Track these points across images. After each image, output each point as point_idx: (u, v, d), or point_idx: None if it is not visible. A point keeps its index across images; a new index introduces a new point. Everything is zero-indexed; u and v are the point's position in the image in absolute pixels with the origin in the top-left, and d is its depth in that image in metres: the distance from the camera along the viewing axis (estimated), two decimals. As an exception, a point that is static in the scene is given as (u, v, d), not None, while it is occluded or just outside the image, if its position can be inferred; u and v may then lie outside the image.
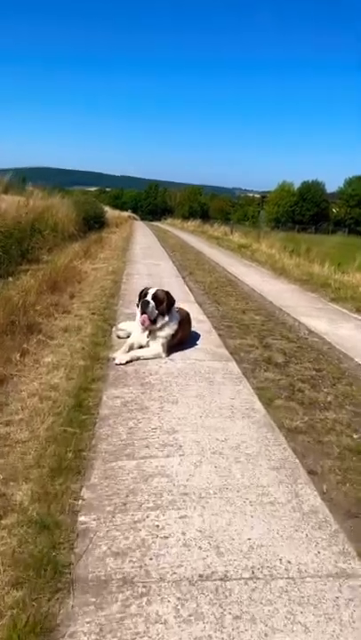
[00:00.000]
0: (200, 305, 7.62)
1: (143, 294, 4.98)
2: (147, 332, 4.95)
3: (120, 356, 4.69)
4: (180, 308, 5.48)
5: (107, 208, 31.25)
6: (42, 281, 7.91)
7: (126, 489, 2.61)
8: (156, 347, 4.91)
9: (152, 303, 4.82)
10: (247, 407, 3.82)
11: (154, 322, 4.84)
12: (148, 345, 4.97)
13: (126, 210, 65.80)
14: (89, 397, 3.80)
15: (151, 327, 4.88)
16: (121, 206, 73.89)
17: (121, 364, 4.61)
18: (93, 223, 21.12)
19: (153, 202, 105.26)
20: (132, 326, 5.39)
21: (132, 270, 10.68)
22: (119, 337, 5.50)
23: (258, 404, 3.88)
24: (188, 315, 5.57)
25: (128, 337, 5.26)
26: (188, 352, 5.14)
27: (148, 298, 4.87)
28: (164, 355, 4.92)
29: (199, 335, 5.79)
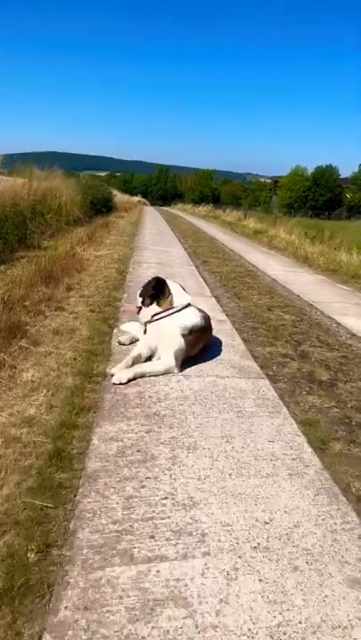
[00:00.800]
0: (218, 300, 6.52)
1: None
2: (154, 337, 3.94)
3: (120, 372, 3.63)
4: (201, 311, 4.39)
5: (115, 192, 30.06)
6: (35, 271, 6.85)
7: (117, 637, 1.55)
8: (168, 358, 3.84)
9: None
10: (293, 456, 2.74)
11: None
12: (153, 352, 3.93)
13: (136, 195, 64.47)
14: (73, 440, 2.74)
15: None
16: (131, 191, 72.53)
17: (121, 384, 3.55)
18: (101, 207, 19.98)
19: (163, 187, 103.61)
20: (136, 329, 4.33)
21: (140, 258, 9.57)
22: (121, 343, 4.44)
23: (308, 451, 2.80)
24: (209, 319, 4.48)
25: (132, 343, 4.20)
26: (206, 365, 4.07)
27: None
28: (176, 369, 3.85)
29: (220, 341, 4.71)
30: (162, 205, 60.95)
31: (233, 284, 7.78)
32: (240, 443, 2.83)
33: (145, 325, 4.00)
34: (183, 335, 3.90)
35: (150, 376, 3.73)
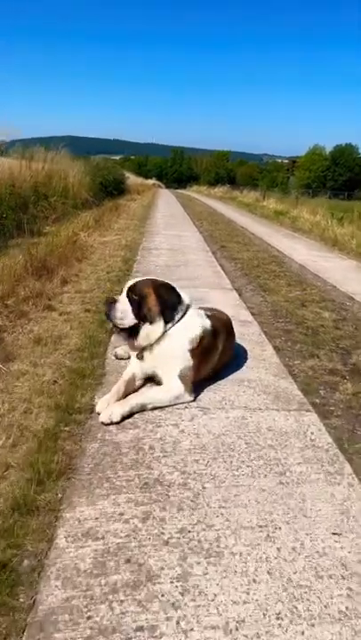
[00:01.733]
0: (240, 293, 5.45)
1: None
2: (139, 355, 2.95)
3: (111, 407, 2.61)
4: (216, 311, 3.35)
5: (129, 174, 28.85)
6: (25, 261, 5.83)
7: None
8: (174, 382, 2.81)
9: (121, 301, 2.88)
10: (379, 568, 1.70)
11: (130, 333, 2.90)
12: (150, 376, 2.92)
13: (150, 177, 62.96)
14: (26, 539, 1.74)
15: (131, 342, 2.96)
16: (145, 174, 71.00)
17: (112, 424, 2.54)
18: (112, 189, 18.87)
19: (178, 169, 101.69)
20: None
21: (151, 244, 8.51)
22: (118, 357, 3.42)
23: None
24: (229, 321, 3.43)
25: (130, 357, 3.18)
26: (229, 388, 3.03)
27: (122, 293, 2.96)
28: (188, 396, 2.82)
29: (245, 350, 3.67)
30: (177, 188, 59.48)
31: (257, 272, 6.69)
32: (288, 540, 1.79)
33: (140, 351, 2.93)
34: (191, 350, 2.87)
35: (153, 409, 2.71)
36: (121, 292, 2.94)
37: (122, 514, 1.89)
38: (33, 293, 4.89)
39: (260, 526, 1.87)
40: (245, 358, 3.54)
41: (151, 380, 2.95)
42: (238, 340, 3.80)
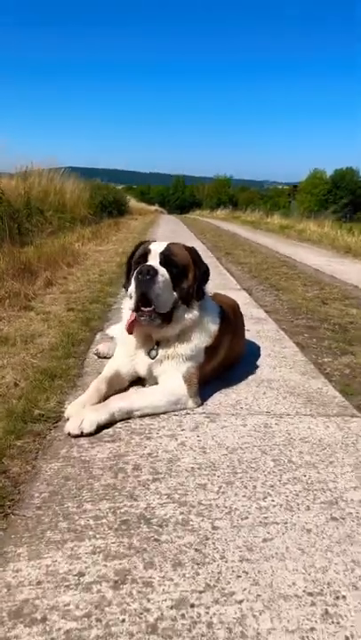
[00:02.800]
0: (249, 292, 4.75)
1: (140, 255, 2.17)
2: (146, 348, 2.15)
3: (82, 413, 1.88)
4: (219, 296, 2.64)
5: (130, 197, 28.57)
6: (6, 263, 5.18)
7: None
8: (174, 382, 2.08)
9: (162, 273, 2.01)
10: None
11: (165, 318, 2.04)
12: (150, 377, 2.16)
13: (153, 204, 63.09)
14: None
15: (157, 331, 2.08)
16: (148, 201, 71.26)
17: (82, 436, 1.80)
18: (112, 209, 18.38)
19: (181, 196, 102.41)
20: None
21: (149, 251, 7.84)
22: (100, 356, 2.71)
23: None
24: (237, 307, 2.73)
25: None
26: (244, 389, 2.31)
27: (153, 262, 2.05)
28: (191, 402, 2.09)
29: (260, 348, 2.95)
30: (180, 214, 59.52)
31: (266, 274, 5.99)
32: (365, 623, 1.05)
33: (157, 343, 2.14)
34: (207, 347, 2.16)
35: (142, 416, 1.98)
36: (133, 262, 2.17)
37: (81, 574, 1.15)
38: (9, 294, 4.20)
39: (311, 594, 1.12)
40: (262, 356, 2.82)
41: (139, 381, 2.23)
42: (252, 337, 3.09)
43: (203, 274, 2.17)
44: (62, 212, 12.10)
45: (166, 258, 2.06)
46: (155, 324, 2.04)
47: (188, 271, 2.10)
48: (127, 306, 2.14)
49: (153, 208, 46.68)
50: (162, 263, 2.04)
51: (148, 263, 2.03)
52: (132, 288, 2.04)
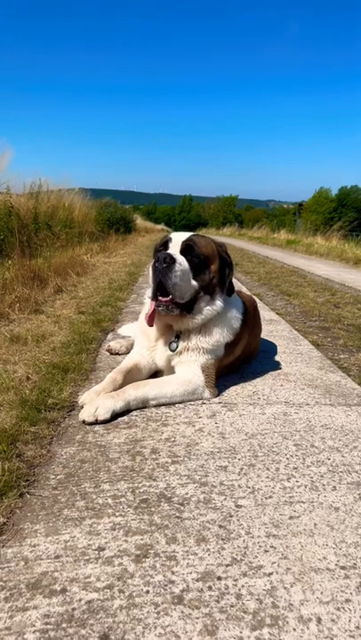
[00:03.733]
0: (260, 298, 4.72)
1: (161, 243, 2.15)
2: (166, 340, 2.10)
3: (97, 400, 1.84)
4: (240, 292, 2.60)
5: (137, 216, 28.79)
6: (16, 271, 5.20)
7: None
8: (191, 373, 2.04)
9: (180, 261, 1.96)
10: None
11: (185, 308, 1.99)
12: (168, 369, 2.12)
13: (159, 224, 63.49)
14: None
15: (178, 322, 2.04)
16: (154, 221, 71.84)
17: (97, 423, 1.76)
18: (119, 226, 18.51)
19: (187, 216, 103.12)
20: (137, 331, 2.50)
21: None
22: (113, 352, 2.67)
23: None
24: (255, 303, 2.69)
25: (129, 352, 2.38)
26: (260, 382, 2.26)
27: (173, 250, 2.02)
28: (208, 393, 2.04)
29: (274, 345, 2.91)
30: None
31: (276, 282, 5.97)
32: None
33: (177, 335, 2.08)
34: (227, 344, 2.12)
35: (157, 405, 1.93)
36: (162, 246, 2.09)
37: (101, 549, 1.10)
38: (19, 299, 4.20)
39: (344, 567, 1.06)
40: (277, 352, 2.77)
41: (157, 375, 2.18)
42: (266, 336, 3.05)
43: (229, 267, 2.13)
44: (70, 228, 12.22)
45: (187, 247, 2.02)
46: (173, 314, 2.00)
47: (210, 262, 2.06)
48: (147, 294, 2.10)
49: (159, 227, 46.85)
50: (182, 252, 2.01)
51: (167, 251, 1.99)
52: (150, 276, 2.01)
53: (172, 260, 1.93)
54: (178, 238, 2.06)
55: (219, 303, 2.07)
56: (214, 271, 2.06)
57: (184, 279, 1.96)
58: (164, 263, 1.92)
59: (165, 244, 2.07)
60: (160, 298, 1.96)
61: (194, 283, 1.99)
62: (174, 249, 2.02)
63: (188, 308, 2.01)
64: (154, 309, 2.01)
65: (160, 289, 1.94)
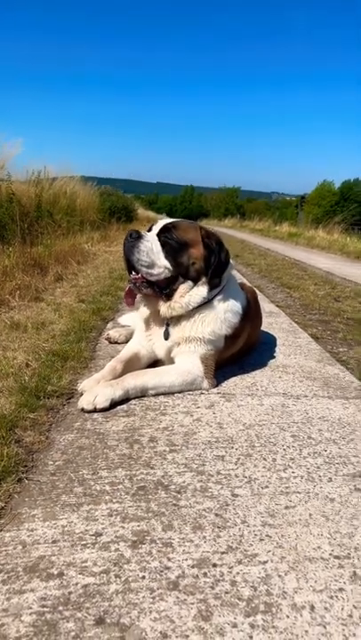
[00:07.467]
0: (260, 290, 4.71)
1: (148, 227, 2.16)
2: (165, 331, 2.10)
3: (96, 389, 1.85)
4: (242, 284, 2.59)
5: (138, 205, 28.69)
6: (17, 259, 5.18)
7: None
8: (190, 363, 2.04)
9: (148, 239, 1.98)
10: None
11: (163, 292, 2.03)
12: (168, 359, 2.12)
13: (161, 214, 63.19)
14: None
15: (161, 307, 2.05)
16: (156, 210, 71.53)
17: (95, 411, 1.77)
18: (120, 215, 18.45)
19: (188, 206, 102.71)
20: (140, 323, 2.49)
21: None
22: (112, 341, 2.68)
23: None
24: (255, 294, 2.69)
25: (129, 341, 2.38)
26: (259, 374, 2.27)
27: (153, 232, 2.04)
28: (206, 383, 2.05)
29: (274, 338, 2.92)
30: (187, 223, 59.51)
31: (277, 275, 5.97)
32: None
33: (167, 323, 2.09)
34: (226, 337, 2.11)
35: (156, 395, 1.94)
36: (149, 230, 2.09)
37: (99, 534, 1.11)
38: (19, 286, 4.19)
39: (338, 557, 1.07)
40: (276, 345, 2.78)
41: (157, 365, 2.19)
42: (265, 328, 3.05)
43: (215, 258, 2.04)
44: (72, 216, 12.16)
45: (165, 228, 2.01)
46: (144, 293, 2.02)
47: (190, 247, 2.02)
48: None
49: (161, 217, 46.63)
50: (159, 233, 2.01)
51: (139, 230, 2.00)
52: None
53: (138, 237, 1.94)
54: (162, 222, 2.08)
55: (203, 290, 2.02)
56: (196, 257, 2.01)
57: (150, 256, 1.95)
58: (130, 238, 1.94)
59: (152, 227, 2.09)
60: (130, 275, 1.98)
61: (165, 262, 1.97)
62: (155, 231, 2.03)
63: (168, 293, 2.01)
64: (129, 287, 2.04)
65: (128, 266, 1.99)
